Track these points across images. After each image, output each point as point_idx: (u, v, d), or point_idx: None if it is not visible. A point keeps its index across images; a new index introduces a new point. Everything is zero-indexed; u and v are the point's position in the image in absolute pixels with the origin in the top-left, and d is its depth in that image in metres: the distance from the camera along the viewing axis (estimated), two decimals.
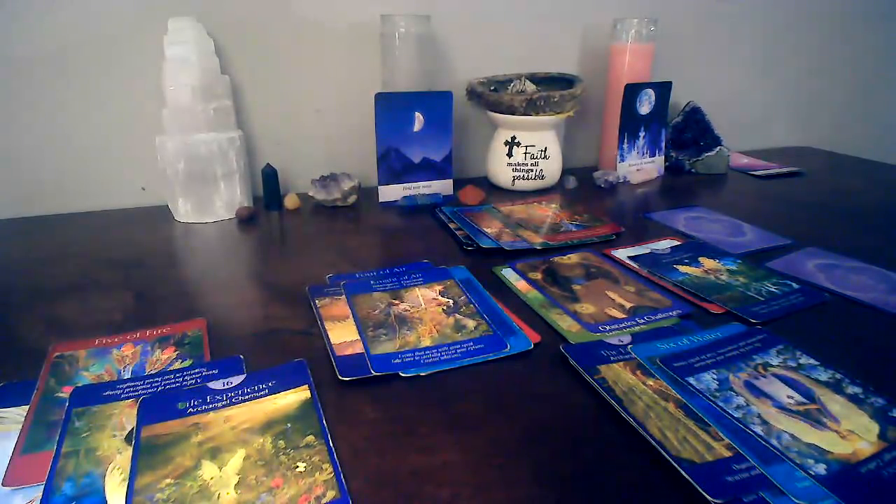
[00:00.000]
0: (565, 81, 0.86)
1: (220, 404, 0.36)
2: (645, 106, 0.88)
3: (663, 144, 0.93)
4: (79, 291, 0.52)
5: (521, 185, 0.83)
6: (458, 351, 0.42)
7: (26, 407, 0.36)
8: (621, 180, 0.88)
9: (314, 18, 0.77)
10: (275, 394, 0.37)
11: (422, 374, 0.40)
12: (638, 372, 0.40)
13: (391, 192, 0.77)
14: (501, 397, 0.38)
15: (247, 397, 0.37)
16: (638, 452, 0.33)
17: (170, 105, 0.67)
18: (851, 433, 0.34)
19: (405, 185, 0.78)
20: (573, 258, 0.59)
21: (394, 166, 0.76)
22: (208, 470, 0.31)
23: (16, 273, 0.57)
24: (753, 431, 0.34)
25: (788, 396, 0.37)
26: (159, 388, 0.38)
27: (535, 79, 0.86)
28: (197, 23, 0.68)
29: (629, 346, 0.43)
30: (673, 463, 0.31)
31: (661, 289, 0.53)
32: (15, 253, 0.62)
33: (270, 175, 0.74)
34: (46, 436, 0.33)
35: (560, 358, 0.42)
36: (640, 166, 0.90)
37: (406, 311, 0.48)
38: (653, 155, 0.92)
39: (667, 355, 0.41)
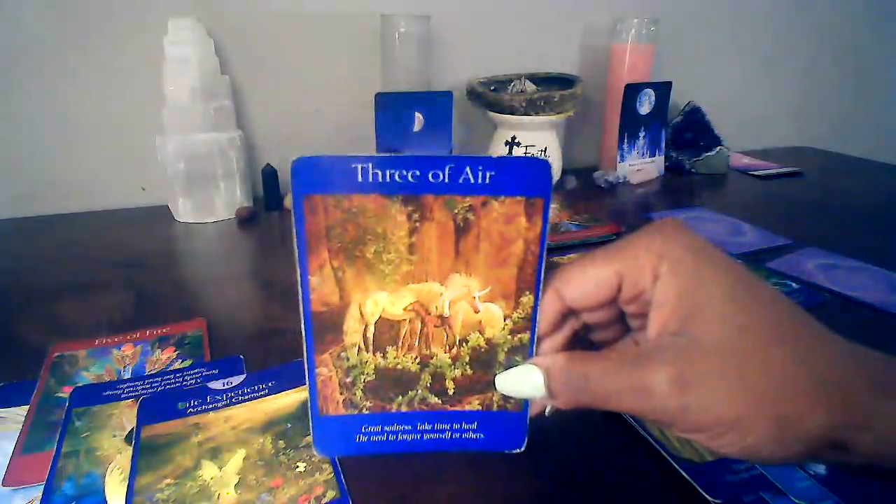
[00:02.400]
0: (565, 81, 0.86)
1: (220, 404, 0.36)
2: (645, 106, 0.88)
3: (663, 144, 0.93)
4: (79, 291, 0.52)
5: None
6: None
7: (26, 407, 0.36)
8: (621, 180, 0.88)
9: (314, 18, 0.77)
10: (275, 394, 0.37)
11: None
12: None
13: None
14: None
15: (247, 397, 0.37)
16: (638, 452, 0.33)
17: (170, 105, 0.67)
18: None
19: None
20: (573, 258, 0.59)
21: None
22: (208, 470, 0.31)
23: (16, 273, 0.57)
24: None
25: None
26: (159, 388, 0.38)
27: (535, 79, 0.86)
28: (197, 23, 0.68)
29: None
30: (673, 463, 0.31)
31: None
32: (15, 253, 0.62)
33: (270, 175, 0.74)
34: (46, 436, 0.33)
35: None
36: (640, 166, 0.90)
37: None
38: (653, 155, 0.92)
39: None
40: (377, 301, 0.24)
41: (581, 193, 0.84)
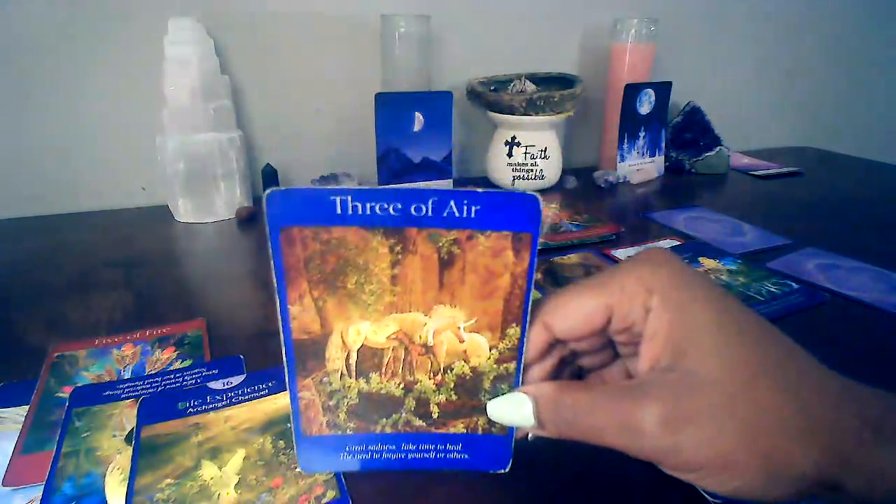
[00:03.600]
0: (565, 81, 0.86)
1: (220, 404, 0.36)
2: (645, 106, 0.88)
3: (663, 144, 0.93)
4: (79, 291, 0.52)
5: (521, 185, 0.83)
6: None
7: (26, 407, 0.36)
8: (621, 180, 0.88)
9: (314, 18, 0.77)
10: (275, 394, 0.37)
11: None
12: None
13: None
14: None
15: (247, 397, 0.37)
16: None
17: (170, 105, 0.67)
18: None
19: (405, 185, 0.78)
20: (573, 258, 0.59)
21: (394, 166, 0.76)
22: (208, 470, 0.31)
23: (16, 273, 0.57)
24: None
25: None
26: (159, 388, 0.38)
27: (535, 79, 0.86)
28: (197, 23, 0.68)
29: None
30: None
31: None
32: (15, 253, 0.62)
33: (270, 175, 0.74)
34: (46, 436, 0.33)
35: None
36: (640, 166, 0.90)
37: None
38: (653, 155, 0.92)
39: None
40: (360, 330, 0.23)
41: (581, 193, 0.84)
